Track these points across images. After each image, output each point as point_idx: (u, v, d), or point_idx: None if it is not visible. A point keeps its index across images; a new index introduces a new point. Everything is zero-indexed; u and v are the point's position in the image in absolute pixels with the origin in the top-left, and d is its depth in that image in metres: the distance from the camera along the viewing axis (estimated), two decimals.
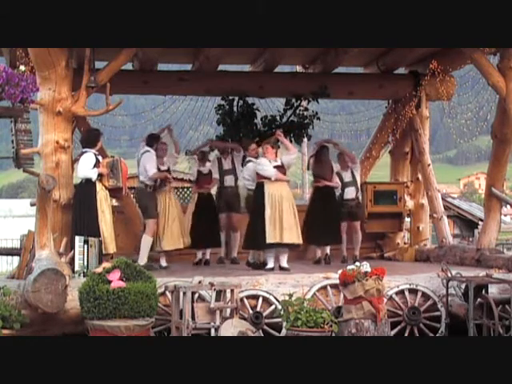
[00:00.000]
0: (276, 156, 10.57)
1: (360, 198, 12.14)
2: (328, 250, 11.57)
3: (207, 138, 12.86)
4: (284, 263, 10.27)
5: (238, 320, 7.89)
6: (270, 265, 10.25)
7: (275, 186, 10.27)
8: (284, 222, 10.11)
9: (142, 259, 10.26)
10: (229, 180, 11.61)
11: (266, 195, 10.24)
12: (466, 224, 24.95)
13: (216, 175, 11.64)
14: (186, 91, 12.93)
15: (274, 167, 10.33)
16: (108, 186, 9.38)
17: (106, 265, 7.79)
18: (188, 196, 15.36)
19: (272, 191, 10.24)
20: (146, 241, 10.53)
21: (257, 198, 10.39)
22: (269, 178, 10.29)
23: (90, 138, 9.69)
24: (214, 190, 11.97)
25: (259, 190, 10.37)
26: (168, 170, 10.96)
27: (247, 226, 10.54)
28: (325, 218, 11.43)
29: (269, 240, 10.13)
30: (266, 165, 10.38)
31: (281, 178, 10.33)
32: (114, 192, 9.65)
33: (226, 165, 11.62)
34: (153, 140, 10.77)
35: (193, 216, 11.33)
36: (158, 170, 10.71)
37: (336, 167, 11.83)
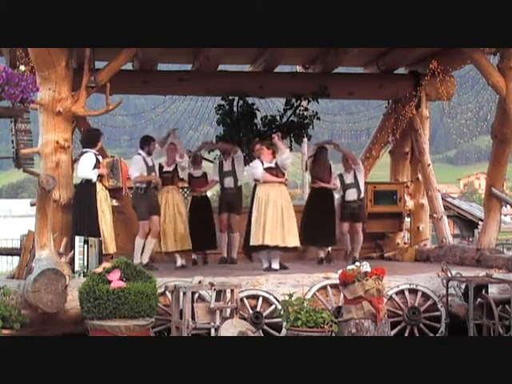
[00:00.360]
0: (274, 157, 10.50)
1: (363, 199, 12.08)
2: (330, 249, 11.60)
3: (203, 140, 12.90)
4: (274, 265, 10.25)
5: (238, 320, 7.89)
6: (265, 264, 10.26)
7: (265, 188, 10.26)
8: (267, 224, 10.07)
9: (136, 259, 10.31)
10: (228, 181, 11.63)
11: (254, 197, 10.28)
12: (466, 224, 24.96)
13: (216, 177, 11.70)
14: (186, 91, 12.93)
15: (266, 169, 10.31)
16: (108, 186, 9.38)
17: (106, 265, 7.79)
18: (188, 197, 15.38)
19: (260, 193, 10.26)
20: (137, 242, 10.64)
21: (250, 200, 10.46)
22: (258, 180, 10.34)
23: (91, 138, 9.69)
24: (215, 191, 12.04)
25: (252, 191, 10.46)
26: (173, 172, 10.98)
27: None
28: (320, 219, 11.45)
29: (252, 242, 10.20)
30: (256, 167, 10.41)
31: (269, 180, 10.28)
32: (114, 192, 9.65)
33: (226, 166, 11.63)
34: (144, 142, 10.78)
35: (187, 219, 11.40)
36: (161, 170, 10.84)
37: (339, 169, 11.88)
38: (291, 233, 10.19)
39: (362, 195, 11.90)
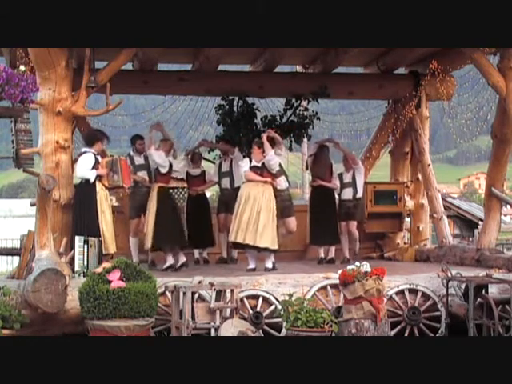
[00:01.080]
0: (264, 156, 10.42)
1: (360, 199, 12.06)
2: (333, 251, 11.59)
3: (201, 139, 12.91)
4: (267, 264, 10.19)
5: (238, 320, 7.89)
6: (251, 265, 10.21)
7: (247, 187, 10.23)
8: (242, 222, 10.03)
9: (134, 258, 10.52)
10: (225, 182, 11.72)
11: (238, 196, 10.26)
12: (466, 224, 24.96)
13: (216, 177, 11.79)
14: (186, 91, 12.92)
15: (252, 167, 10.26)
16: (108, 186, 9.39)
17: (106, 265, 7.79)
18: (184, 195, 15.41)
19: (242, 191, 10.25)
20: (131, 241, 10.91)
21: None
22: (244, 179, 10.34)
23: (89, 138, 9.73)
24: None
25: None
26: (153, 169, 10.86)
27: None
28: (321, 217, 11.49)
29: (229, 239, 10.24)
30: (242, 166, 10.41)
31: (251, 179, 10.21)
32: (116, 188, 9.75)
33: (224, 167, 11.70)
34: (131, 141, 10.99)
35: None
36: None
37: (340, 168, 11.90)
38: (264, 234, 10.05)
39: (359, 195, 11.88)
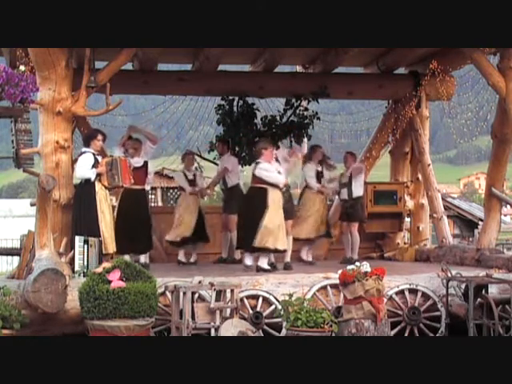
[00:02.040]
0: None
1: (357, 198, 12.00)
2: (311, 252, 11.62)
3: (203, 141, 12.96)
4: (263, 264, 10.19)
5: (238, 320, 7.89)
6: (250, 263, 10.23)
7: (277, 193, 10.22)
8: (282, 228, 10.09)
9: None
10: (221, 182, 11.76)
11: (267, 200, 10.08)
12: (466, 224, 24.97)
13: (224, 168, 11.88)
14: (185, 91, 12.93)
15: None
16: (107, 186, 9.39)
17: (106, 265, 7.79)
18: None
19: (275, 196, 10.17)
20: None
21: (259, 203, 10.14)
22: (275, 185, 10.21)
23: (86, 138, 9.73)
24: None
25: (261, 195, 10.14)
26: (141, 167, 10.80)
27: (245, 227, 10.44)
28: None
29: (267, 244, 10.09)
30: (270, 170, 10.21)
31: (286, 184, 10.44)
32: (115, 188, 9.75)
33: (221, 167, 11.79)
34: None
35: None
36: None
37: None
38: (282, 236, 10.18)
39: (355, 195, 11.78)
